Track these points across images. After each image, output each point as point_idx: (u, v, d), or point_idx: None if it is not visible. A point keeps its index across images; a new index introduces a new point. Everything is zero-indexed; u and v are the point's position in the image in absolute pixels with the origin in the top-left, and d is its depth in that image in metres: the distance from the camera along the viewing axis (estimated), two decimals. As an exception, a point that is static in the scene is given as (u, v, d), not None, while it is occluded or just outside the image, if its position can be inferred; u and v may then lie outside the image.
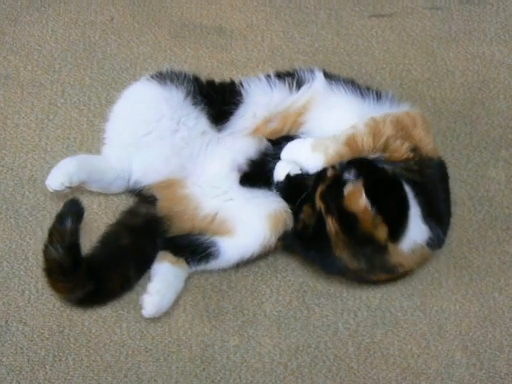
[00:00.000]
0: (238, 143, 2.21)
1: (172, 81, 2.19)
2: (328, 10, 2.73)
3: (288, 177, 2.10)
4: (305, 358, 2.12)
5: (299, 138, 2.16)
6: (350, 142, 2.05)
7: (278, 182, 2.13)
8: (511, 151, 2.46)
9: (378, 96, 2.21)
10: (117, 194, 2.28)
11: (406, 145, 2.06)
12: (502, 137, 2.49)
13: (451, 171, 2.31)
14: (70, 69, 2.54)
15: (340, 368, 2.11)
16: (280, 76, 2.25)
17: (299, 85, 2.23)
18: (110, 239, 2.16)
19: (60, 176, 2.11)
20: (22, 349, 2.09)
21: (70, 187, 2.12)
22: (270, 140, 2.20)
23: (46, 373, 2.06)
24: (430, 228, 2.04)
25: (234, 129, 2.22)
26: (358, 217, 1.93)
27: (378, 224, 1.92)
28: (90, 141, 2.40)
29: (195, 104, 2.21)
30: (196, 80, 2.24)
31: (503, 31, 2.71)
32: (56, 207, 2.24)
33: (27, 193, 2.30)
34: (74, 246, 2.01)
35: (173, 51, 2.61)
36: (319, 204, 1.99)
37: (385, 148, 2.06)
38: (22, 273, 2.18)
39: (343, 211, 1.94)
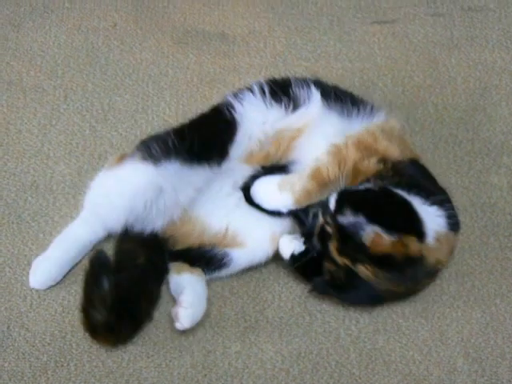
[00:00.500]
0: (236, 169, 2.19)
1: (165, 156, 2.08)
2: (330, 16, 2.74)
3: (293, 256, 2.10)
4: (306, 365, 2.12)
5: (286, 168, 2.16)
6: (316, 175, 2.04)
7: (287, 260, 2.13)
8: (513, 158, 2.46)
9: (370, 109, 2.20)
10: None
11: (373, 160, 2.04)
12: (504, 143, 2.50)
13: (454, 178, 2.37)
14: (72, 74, 2.55)
15: (342, 374, 2.11)
16: (276, 93, 2.18)
17: (295, 106, 2.18)
18: (126, 261, 2.14)
19: (44, 282, 2.15)
20: (23, 354, 2.09)
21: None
22: (263, 167, 2.19)
23: (48, 378, 2.06)
24: (438, 208, 2.01)
25: (233, 158, 2.17)
26: (391, 253, 1.91)
27: (407, 243, 1.91)
28: (93, 146, 2.41)
29: (191, 164, 2.11)
30: (189, 135, 2.12)
31: (505, 38, 2.72)
32: (58, 212, 2.26)
33: (30, 198, 2.30)
34: (117, 302, 2.01)
35: (175, 57, 2.61)
36: (342, 260, 1.97)
37: (355, 172, 2.04)
38: (24, 278, 2.18)
39: (373, 256, 1.91)
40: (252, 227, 2.16)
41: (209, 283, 2.19)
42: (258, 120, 2.17)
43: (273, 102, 2.18)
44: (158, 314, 2.15)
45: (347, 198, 1.96)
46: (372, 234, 1.90)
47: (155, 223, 2.12)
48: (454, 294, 2.22)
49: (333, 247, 1.97)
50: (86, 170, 2.36)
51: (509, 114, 2.55)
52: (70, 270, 2.18)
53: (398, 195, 1.96)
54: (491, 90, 2.60)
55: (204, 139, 2.12)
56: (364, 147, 2.06)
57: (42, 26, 2.65)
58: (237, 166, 2.18)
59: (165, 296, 2.17)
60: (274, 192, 2.08)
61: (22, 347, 2.09)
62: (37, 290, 2.16)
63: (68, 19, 2.67)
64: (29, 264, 2.19)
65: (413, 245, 1.92)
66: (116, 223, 2.10)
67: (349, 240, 1.93)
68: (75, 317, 2.13)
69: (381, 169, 2.03)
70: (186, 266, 2.15)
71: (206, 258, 2.15)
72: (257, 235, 2.16)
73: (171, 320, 2.12)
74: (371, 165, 2.03)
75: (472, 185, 2.40)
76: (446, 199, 2.09)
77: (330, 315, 2.19)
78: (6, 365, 2.07)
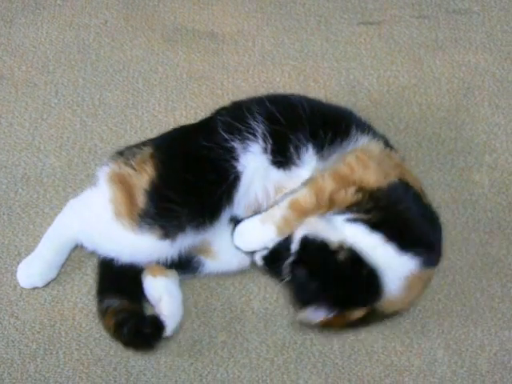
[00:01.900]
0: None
1: (181, 232, 2.06)
2: (318, 16, 2.78)
3: (265, 259, 2.14)
4: (291, 354, 2.16)
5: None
6: (294, 205, 2.05)
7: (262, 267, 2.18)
8: (495, 156, 2.52)
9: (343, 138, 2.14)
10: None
11: (351, 190, 2.02)
12: (486, 142, 2.54)
13: (436, 175, 2.40)
14: (63, 70, 2.58)
15: (325, 364, 2.15)
16: (276, 155, 2.12)
17: (295, 167, 2.14)
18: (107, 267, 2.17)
19: (32, 281, 2.19)
20: (13, 342, 2.12)
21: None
22: None
23: (37, 365, 2.09)
24: (413, 253, 2.00)
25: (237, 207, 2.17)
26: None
27: (349, 315, 2.00)
28: (83, 140, 2.44)
29: (200, 232, 2.10)
30: (196, 209, 2.08)
31: (488, 40, 2.76)
32: (48, 204, 2.29)
33: (20, 190, 2.33)
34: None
35: (165, 55, 2.65)
36: None
37: (331, 203, 2.04)
38: (14, 268, 2.20)
39: None
40: (229, 247, 2.18)
41: (195, 277, 2.23)
42: (259, 175, 2.14)
43: (274, 167, 2.14)
44: (146, 305, 2.18)
45: (307, 258, 2.02)
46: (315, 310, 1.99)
47: None
48: (435, 287, 2.26)
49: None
50: (77, 164, 2.39)
51: (491, 114, 2.60)
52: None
53: (363, 266, 1.98)
54: (474, 91, 2.65)
55: (212, 207, 2.09)
56: (340, 178, 2.05)
57: (33, 22, 2.68)
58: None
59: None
60: (256, 227, 2.10)
61: (11, 335, 2.12)
62: (27, 280, 2.19)
63: (60, 16, 2.70)
64: (19, 254, 2.22)
65: (357, 313, 2.00)
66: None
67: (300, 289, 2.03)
68: (64, 306, 2.17)
69: (358, 199, 2.02)
70: (160, 268, 2.16)
71: (180, 261, 2.15)
72: (230, 255, 2.19)
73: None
74: (348, 195, 2.02)
75: (454, 182, 2.44)
76: (426, 232, 2.08)
77: (314, 307, 2.22)
78: (-5, 352, 2.10)
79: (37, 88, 2.54)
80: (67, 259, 2.22)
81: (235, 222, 2.16)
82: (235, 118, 2.13)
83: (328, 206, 2.04)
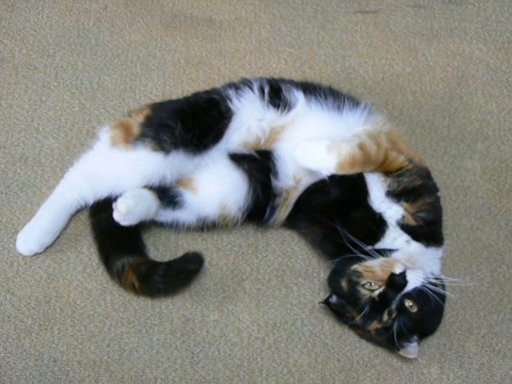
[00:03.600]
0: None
1: (173, 148, 2.17)
2: (315, 5, 2.81)
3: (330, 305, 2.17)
4: (281, 334, 2.19)
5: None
6: (362, 146, 2.10)
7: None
8: (487, 144, 2.55)
9: (355, 104, 2.26)
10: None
11: (402, 157, 2.14)
12: (479, 130, 2.58)
13: (429, 162, 2.41)
14: (63, 54, 2.61)
15: (315, 344, 2.19)
16: (271, 97, 2.26)
17: (286, 108, 2.25)
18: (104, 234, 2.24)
19: (30, 247, 2.24)
20: (9, 317, 2.15)
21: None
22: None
23: (32, 340, 2.13)
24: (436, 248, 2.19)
25: (226, 145, 2.27)
26: None
27: None
28: (81, 122, 2.48)
29: (189, 152, 2.21)
30: (189, 122, 2.20)
31: (483, 30, 2.79)
32: (46, 184, 2.32)
33: (18, 170, 2.37)
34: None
35: (163, 40, 2.67)
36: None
37: (384, 159, 2.13)
38: (11, 245, 2.24)
39: None
40: (210, 183, 2.23)
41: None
42: (255, 117, 2.25)
43: (270, 105, 2.25)
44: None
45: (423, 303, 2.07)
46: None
47: None
48: (425, 271, 2.28)
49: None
50: (74, 145, 2.42)
51: (484, 102, 2.63)
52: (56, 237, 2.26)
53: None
54: (468, 80, 2.68)
55: (204, 130, 2.21)
56: (391, 141, 2.17)
57: (34, 6, 2.71)
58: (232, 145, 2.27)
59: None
60: (321, 152, 2.11)
61: (7, 310, 2.16)
62: (23, 257, 2.23)
63: (60, 1, 2.73)
64: (16, 232, 2.25)
65: None
66: (108, 194, 2.20)
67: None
68: (59, 283, 2.20)
69: (405, 165, 2.13)
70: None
71: (162, 190, 2.21)
72: (210, 191, 2.22)
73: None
74: (400, 159, 2.14)
75: (446, 169, 2.48)
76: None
77: (306, 288, 2.26)
78: (-9, 327, 2.13)
79: (37, 71, 2.57)
80: (64, 228, 2.26)
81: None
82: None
83: (382, 161, 2.12)
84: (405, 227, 2.14)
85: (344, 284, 2.10)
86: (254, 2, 2.79)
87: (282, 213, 2.26)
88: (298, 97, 2.25)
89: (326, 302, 2.14)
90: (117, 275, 2.16)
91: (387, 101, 2.61)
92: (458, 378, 2.17)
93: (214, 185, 2.23)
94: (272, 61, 2.64)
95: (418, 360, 2.17)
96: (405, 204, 2.13)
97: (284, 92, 2.26)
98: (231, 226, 2.29)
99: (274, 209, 2.25)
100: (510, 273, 2.33)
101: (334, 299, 2.13)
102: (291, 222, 2.30)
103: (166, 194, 2.22)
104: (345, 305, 2.11)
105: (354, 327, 2.17)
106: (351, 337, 2.20)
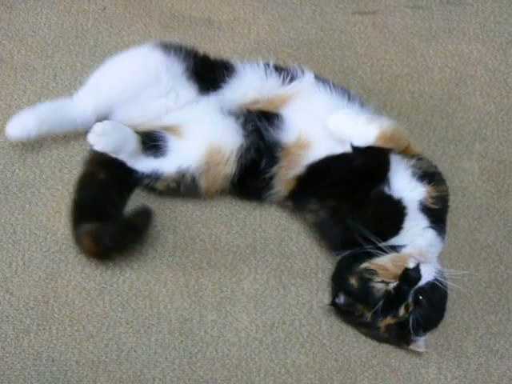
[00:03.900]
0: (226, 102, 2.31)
1: (175, 53, 2.28)
2: (313, 5, 2.80)
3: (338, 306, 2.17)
4: (279, 334, 2.20)
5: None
6: (398, 128, 2.19)
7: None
8: (485, 145, 2.55)
9: (362, 104, 2.32)
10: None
11: (419, 148, 2.26)
12: (477, 131, 2.58)
13: None
14: (62, 54, 2.61)
15: (313, 344, 2.20)
16: (277, 68, 2.33)
17: (291, 80, 2.31)
18: (88, 179, 2.26)
19: (19, 130, 2.26)
20: (7, 317, 2.16)
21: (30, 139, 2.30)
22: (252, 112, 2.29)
23: (31, 340, 2.14)
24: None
25: (223, 98, 2.30)
26: None
27: None
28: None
29: (190, 79, 2.29)
30: (197, 56, 2.34)
31: (481, 31, 2.79)
32: (44, 184, 2.32)
33: (17, 170, 2.37)
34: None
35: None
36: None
37: (408, 144, 2.21)
38: (9, 246, 2.25)
39: None
40: (198, 130, 2.24)
41: (187, 255, 2.28)
42: (255, 84, 2.31)
43: (273, 72, 2.32)
44: (139, 283, 2.23)
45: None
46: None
47: (132, 113, 2.28)
48: (423, 271, 2.29)
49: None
50: (73, 146, 2.41)
51: (482, 103, 2.63)
52: (45, 134, 2.33)
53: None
54: (466, 80, 2.68)
55: (208, 69, 2.32)
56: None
57: (33, 7, 2.70)
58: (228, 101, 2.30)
59: (143, 267, 2.26)
60: (361, 123, 2.16)
61: (6, 310, 2.17)
62: (22, 257, 2.23)
63: (59, 2, 2.72)
64: (15, 233, 2.27)
65: None
66: (107, 100, 2.27)
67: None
68: (58, 283, 2.21)
69: (421, 154, 2.25)
70: None
71: (147, 134, 2.23)
72: (196, 138, 2.23)
73: (150, 289, 2.22)
74: (418, 147, 2.26)
75: (445, 169, 2.45)
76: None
77: (304, 288, 2.27)
78: (-10, 327, 2.14)
79: (35, 72, 2.56)
80: (54, 129, 2.32)
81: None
82: None
83: (406, 145, 2.21)
84: (425, 209, 2.16)
85: (353, 281, 2.11)
86: (253, 2, 2.79)
87: (284, 177, 2.24)
88: (307, 74, 2.32)
89: (333, 304, 2.14)
90: (77, 239, 2.19)
91: (385, 101, 2.61)
92: (455, 378, 2.18)
93: (203, 131, 2.24)
94: (270, 61, 2.62)
95: (415, 360, 2.18)
96: (427, 186, 2.18)
97: (290, 68, 2.34)
98: (218, 189, 2.28)
99: (271, 166, 2.23)
100: (508, 273, 2.34)
101: (341, 299, 2.13)
102: (298, 199, 2.28)
103: (151, 139, 2.22)
104: (353, 303, 2.12)
105: (361, 325, 2.17)
106: (349, 337, 2.21)
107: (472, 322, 2.26)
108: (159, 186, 2.25)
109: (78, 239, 2.19)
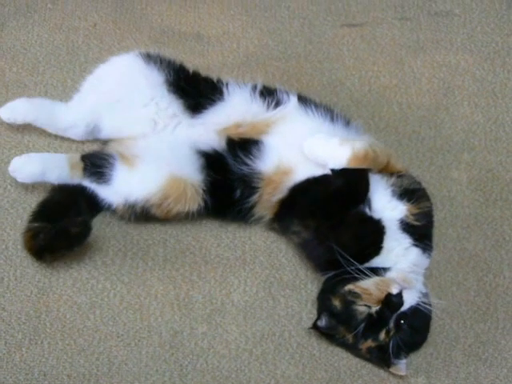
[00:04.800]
0: (202, 133, 2.31)
1: (156, 63, 2.33)
2: (302, 19, 2.83)
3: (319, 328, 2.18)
4: (269, 346, 2.22)
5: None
6: (373, 148, 2.16)
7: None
8: (473, 154, 2.58)
9: (347, 122, 2.32)
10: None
11: (400, 164, 2.25)
12: (465, 141, 2.60)
13: (416, 172, 2.42)
14: (53, 71, 2.64)
15: (303, 355, 2.21)
16: (262, 93, 2.33)
17: (276, 105, 2.31)
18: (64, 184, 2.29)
19: (8, 112, 2.37)
20: (-1, 332, 2.18)
21: (17, 123, 2.42)
22: (233, 141, 2.29)
23: (23, 355, 2.16)
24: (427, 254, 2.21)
25: (206, 121, 2.31)
26: None
27: None
28: (71, 139, 2.48)
29: (171, 91, 2.33)
30: (181, 70, 2.37)
31: (469, 41, 2.82)
32: (36, 200, 2.33)
33: (9, 187, 2.39)
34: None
35: (152, 56, 2.70)
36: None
37: (387, 163, 2.21)
38: (1, 261, 2.27)
39: None
40: (155, 163, 2.26)
41: (178, 268, 2.31)
42: (240, 107, 2.31)
43: (258, 97, 2.32)
44: (130, 297, 2.25)
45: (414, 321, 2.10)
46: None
47: (117, 123, 2.34)
48: (412, 281, 2.30)
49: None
50: (64, 161, 2.43)
51: (470, 113, 2.66)
52: (30, 122, 2.42)
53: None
54: (454, 90, 2.70)
55: (193, 85, 2.36)
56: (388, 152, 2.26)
57: (25, 25, 2.74)
58: (204, 131, 2.32)
59: (134, 281, 2.28)
60: (334, 145, 2.16)
61: (-2, 326, 2.19)
62: (14, 273, 2.26)
63: (50, 19, 2.76)
64: (7, 248, 2.29)
65: None
66: (90, 105, 2.37)
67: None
68: (50, 298, 2.23)
69: (404, 170, 2.24)
70: (74, 156, 2.32)
71: (97, 157, 2.28)
72: (151, 171, 2.24)
73: (141, 302, 2.24)
74: (399, 165, 2.25)
75: (433, 179, 2.50)
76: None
77: (293, 299, 2.29)
78: (-18, 342, 2.16)
79: (27, 88, 2.59)
80: (40, 124, 2.42)
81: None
82: None
83: (385, 164, 2.20)
84: (407, 228, 2.16)
85: (337, 303, 2.12)
86: (242, 17, 2.82)
87: (268, 203, 2.26)
88: (291, 98, 2.32)
89: (315, 327, 2.16)
90: (22, 235, 2.25)
91: (374, 112, 2.63)
92: (445, 387, 2.20)
93: (161, 165, 2.25)
94: (259, 74, 2.65)
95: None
96: (408, 204, 2.17)
97: (277, 92, 2.33)
98: (182, 217, 2.30)
99: (249, 196, 2.25)
100: (497, 282, 2.36)
101: (323, 322, 2.14)
102: (281, 220, 2.29)
103: (96, 164, 2.25)
104: (336, 325, 2.13)
105: (343, 346, 2.19)
106: (338, 348, 2.22)
107: (461, 330, 2.28)
108: (117, 211, 2.29)
109: (22, 234, 2.24)
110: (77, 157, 2.30)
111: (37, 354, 2.16)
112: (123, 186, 2.23)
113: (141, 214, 2.26)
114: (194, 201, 2.24)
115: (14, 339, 2.18)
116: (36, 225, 2.22)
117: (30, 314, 2.21)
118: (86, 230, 2.19)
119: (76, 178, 2.26)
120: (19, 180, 2.28)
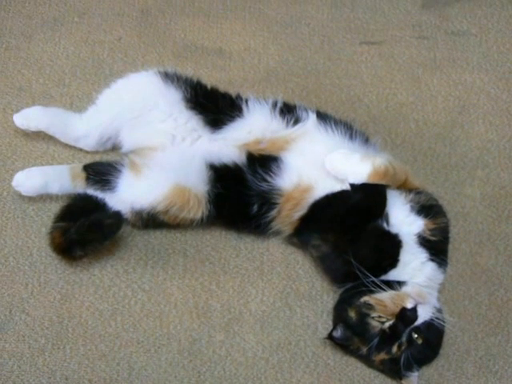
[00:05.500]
0: (223, 147, 2.35)
1: (173, 82, 2.37)
2: (322, 36, 2.89)
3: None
4: (285, 354, 2.27)
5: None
6: (393, 164, 2.21)
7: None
8: (487, 171, 2.62)
9: (366, 140, 2.36)
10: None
11: (418, 181, 2.30)
12: (479, 158, 2.65)
13: (430, 188, 2.45)
14: (78, 83, 2.70)
15: (317, 364, 2.26)
16: (282, 110, 2.37)
17: (295, 122, 2.35)
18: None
19: (22, 119, 2.43)
20: (23, 337, 2.23)
21: (30, 130, 2.47)
22: (253, 156, 2.34)
23: (45, 359, 2.21)
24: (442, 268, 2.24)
25: (226, 136, 2.36)
26: None
27: None
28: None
29: (189, 108, 2.37)
30: (198, 86, 2.42)
31: (485, 61, 2.88)
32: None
33: (34, 196, 2.43)
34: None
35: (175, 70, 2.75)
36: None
37: (405, 179, 2.26)
38: (26, 268, 2.33)
39: None
40: (157, 169, 2.30)
41: (197, 277, 2.35)
42: (260, 124, 2.36)
43: (278, 115, 2.36)
44: (150, 304, 2.30)
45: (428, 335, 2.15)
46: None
47: (137, 136, 2.39)
48: (425, 294, 2.35)
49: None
50: (88, 171, 2.49)
51: (485, 130, 2.71)
52: (44, 130, 2.48)
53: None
54: (469, 109, 2.75)
55: (212, 101, 2.39)
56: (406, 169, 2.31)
57: (52, 37, 2.80)
58: (225, 145, 2.36)
59: (154, 289, 2.33)
60: (355, 160, 2.20)
61: (22, 330, 2.24)
62: (38, 279, 2.31)
63: (76, 32, 2.83)
64: (31, 255, 2.35)
65: None
66: (106, 120, 2.42)
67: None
68: (72, 304, 2.28)
69: (421, 187, 2.28)
70: (75, 167, 2.39)
71: (101, 166, 2.35)
72: (153, 178, 2.28)
73: (161, 310, 2.29)
74: (417, 182, 2.30)
75: (447, 195, 2.55)
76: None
77: (309, 310, 2.33)
78: (6, 346, 2.22)
79: (53, 100, 2.65)
80: (53, 133, 2.48)
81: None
82: None
83: (402, 180, 2.26)
84: (424, 242, 2.20)
85: (352, 314, 2.16)
86: (263, 33, 2.88)
87: (288, 219, 2.29)
88: (310, 116, 2.35)
89: (330, 337, 2.19)
90: (49, 235, 2.30)
91: (390, 129, 2.68)
92: (456, 398, 2.24)
93: (168, 175, 2.28)
94: (279, 90, 2.70)
95: (418, 382, 2.22)
96: (425, 219, 2.21)
97: (297, 109, 2.37)
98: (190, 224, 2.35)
99: (268, 211, 2.29)
100: (508, 296, 2.40)
101: (338, 333, 2.18)
102: (301, 235, 2.33)
103: (99, 172, 2.33)
104: (351, 336, 2.17)
105: (357, 357, 2.24)
106: (352, 358, 2.26)
107: (472, 343, 2.32)
108: (128, 219, 2.34)
109: (49, 233, 2.29)
110: (79, 167, 2.36)
111: (59, 358, 2.22)
112: (128, 194, 2.28)
113: (148, 221, 2.31)
114: (196, 210, 2.28)
115: (38, 344, 2.23)
116: (63, 224, 2.26)
117: (53, 319, 2.26)
118: (119, 221, 2.23)
119: (79, 187, 2.33)
120: (24, 193, 2.35)
